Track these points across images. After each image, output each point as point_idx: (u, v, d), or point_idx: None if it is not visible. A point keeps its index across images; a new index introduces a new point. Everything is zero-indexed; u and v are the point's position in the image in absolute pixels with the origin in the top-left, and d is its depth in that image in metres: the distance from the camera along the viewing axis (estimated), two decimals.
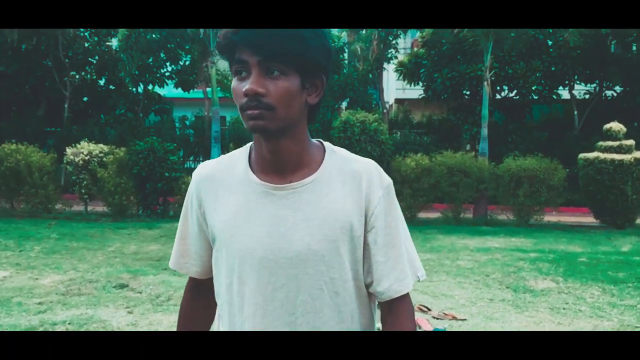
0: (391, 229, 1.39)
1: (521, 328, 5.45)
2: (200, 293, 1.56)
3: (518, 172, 11.80)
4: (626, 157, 11.27)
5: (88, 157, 12.19)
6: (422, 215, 12.74)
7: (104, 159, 12.22)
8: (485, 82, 13.21)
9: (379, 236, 1.37)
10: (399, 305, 1.41)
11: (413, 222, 12.25)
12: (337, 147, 1.45)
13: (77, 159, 12.18)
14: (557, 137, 16.41)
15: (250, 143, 1.43)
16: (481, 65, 14.40)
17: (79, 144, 12.59)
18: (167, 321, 5.41)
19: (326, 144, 1.44)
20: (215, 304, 1.51)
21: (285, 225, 1.33)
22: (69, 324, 5.30)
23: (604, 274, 7.76)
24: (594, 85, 17.26)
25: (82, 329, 5.14)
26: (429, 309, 5.98)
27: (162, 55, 17.18)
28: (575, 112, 16.73)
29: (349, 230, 1.33)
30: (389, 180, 1.41)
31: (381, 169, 1.43)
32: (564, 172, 11.95)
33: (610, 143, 11.59)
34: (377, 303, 1.48)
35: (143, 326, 5.28)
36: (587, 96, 17.47)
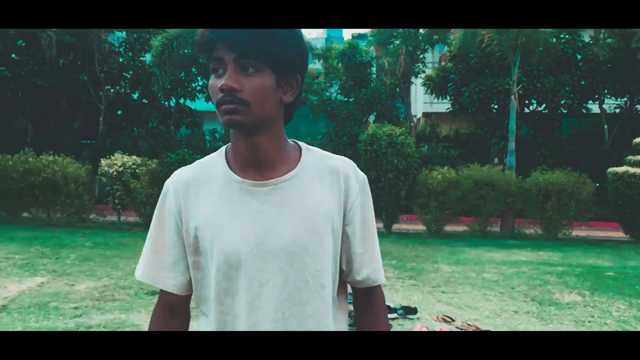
0: (367, 222, 1.43)
1: None
2: (174, 312, 1.50)
3: (546, 186, 11.76)
4: None
5: (122, 168, 12.55)
6: (449, 228, 12.75)
7: (137, 171, 12.57)
8: (513, 96, 13.22)
9: (357, 229, 1.40)
10: (374, 292, 1.47)
11: (439, 235, 12.28)
12: (311, 146, 1.47)
13: (111, 171, 12.56)
14: (587, 151, 16.26)
15: (226, 145, 1.45)
16: (509, 79, 14.42)
17: (113, 155, 12.97)
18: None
19: (301, 143, 1.47)
20: (187, 323, 1.52)
21: (269, 220, 1.33)
22: (104, 327, 5.52)
23: (632, 288, 7.71)
24: (625, 99, 17.08)
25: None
26: (453, 320, 6.04)
27: (193, 70, 17.59)
28: (605, 126, 16.59)
29: (330, 224, 1.36)
30: (363, 175, 1.45)
31: (356, 166, 1.46)
32: (593, 186, 11.87)
33: (639, 157, 11.49)
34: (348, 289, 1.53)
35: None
36: (617, 110, 17.29)
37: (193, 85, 18.25)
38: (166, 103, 18.62)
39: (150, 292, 7.04)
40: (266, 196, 1.34)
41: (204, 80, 18.25)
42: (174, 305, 1.47)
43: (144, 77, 18.37)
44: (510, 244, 11.42)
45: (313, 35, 31.14)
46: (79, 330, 5.42)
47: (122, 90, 18.79)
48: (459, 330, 5.68)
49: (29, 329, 5.35)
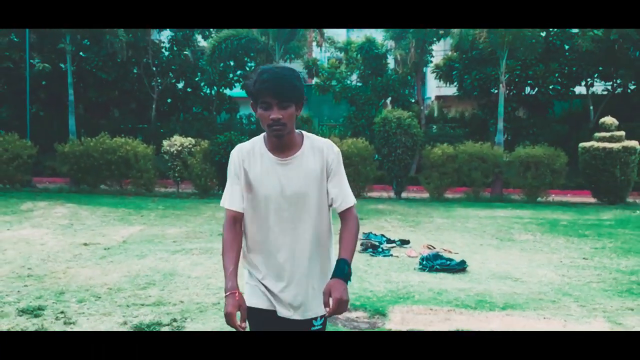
0: (339, 175, 2.52)
1: (490, 258, 8.11)
2: (236, 223, 2.50)
3: (527, 159, 14.35)
4: (615, 145, 13.67)
5: (180, 147, 15.39)
6: (449, 195, 15.40)
7: (193, 150, 15.40)
8: (501, 84, 15.75)
9: (333, 179, 2.50)
10: (348, 212, 2.52)
11: (440, 200, 14.94)
12: (308, 133, 2.55)
13: (172, 149, 15.40)
14: (574, 130, 18.65)
15: (263, 133, 2.50)
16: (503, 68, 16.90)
17: (172, 137, 15.80)
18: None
19: (303, 132, 2.53)
20: (241, 232, 2.52)
21: (287, 179, 2.45)
22: (199, 249, 8.31)
23: (575, 232, 10.31)
24: (610, 83, 19.40)
25: (211, 256, 8.10)
26: (434, 247, 8.72)
27: (231, 62, 20.33)
28: (591, 107, 18.91)
29: (319, 180, 2.48)
30: (337, 150, 2.53)
31: (333, 144, 2.54)
32: (566, 158, 14.40)
33: (604, 134, 13.99)
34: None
35: None
36: (605, 92, 19.60)
37: (230, 76, 21.00)
38: (208, 91, 21.43)
39: (221, 234, 9.82)
40: (285, 166, 2.47)
41: (240, 71, 20.99)
42: (236, 217, 2.51)
43: (188, 69, 21.16)
44: (496, 205, 14.05)
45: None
46: (184, 250, 8.23)
47: (170, 81, 21.57)
48: (437, 253, 8.33)
49: (151, 252, 8.16)
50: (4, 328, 4.87)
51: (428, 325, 5.15)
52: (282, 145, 2.44)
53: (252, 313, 2.52)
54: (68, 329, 4.89)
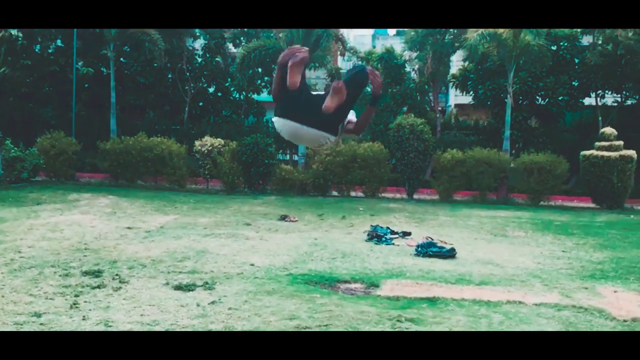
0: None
1: (480, 248, 9.24)
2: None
3: (530, 165, 15.41)
4: (613, 154, 14.65)
5: (210, 147, 16.79)
6: (457, 197, 16.50)
7: (222, 150, 16.78)
8: (509, 95, 16.83)
9: None
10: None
11: (448, 201, 16.04)
12: None
13: (203, 149, 16.81)
14: (583, 140, 19.53)
15: None
16: (516, 79, 17.97)
17: (203, 138, 17.21)
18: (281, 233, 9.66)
19: None
20: None
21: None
22: (226, 234, 9.61)
23: (564, 230, 11.34)
24: (619, 95, 20.28)
25: (236, 239, 9.39)
26: (432, 238, 9.86)
27: (259, 70, 21.73)
28: (600, 118, 19.77)
29: None
30: None
31: None
32: (567, 164, 15.43)
33: (603, 143, 14.99)
34: None
35: (267, 238, 9.54)
36: (615, 104, 20.47)
37: (258, 82, 22.38)
38: (237, 96, 22.86)
39: (244, 223, 11.12)
40: None
41: (267, 77, 22.37)
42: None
43: (219, 75, 22.61)
44: (499, 207, 15.10)
45: (361, 32, 34.87)
46: (213, 235, 9.53)
47: (202, 85, 23.06)
48: (432, 241, 9.46)
49: (185, 235, 9.48)
50: (73, 284, 6.21)
51: (411, 294, 6.34)
52: None
53: None
54: (122, 286, 6.21)
